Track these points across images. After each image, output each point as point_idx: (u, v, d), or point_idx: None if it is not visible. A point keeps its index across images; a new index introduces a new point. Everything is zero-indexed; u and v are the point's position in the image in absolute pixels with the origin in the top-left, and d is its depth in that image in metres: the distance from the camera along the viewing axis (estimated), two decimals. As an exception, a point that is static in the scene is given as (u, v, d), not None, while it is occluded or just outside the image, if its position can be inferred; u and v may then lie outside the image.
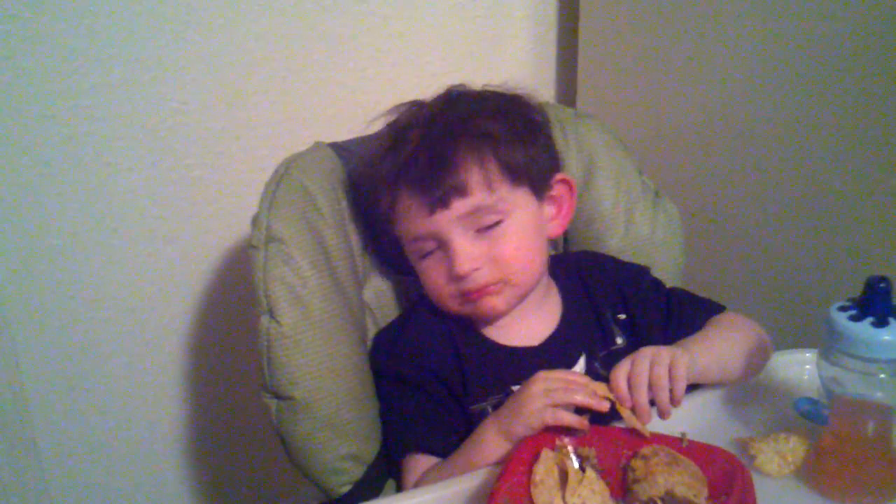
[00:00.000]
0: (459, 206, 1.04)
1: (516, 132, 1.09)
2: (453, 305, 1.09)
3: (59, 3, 1.26)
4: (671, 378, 0.94)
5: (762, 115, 1.33)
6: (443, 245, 1.06)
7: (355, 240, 1.16)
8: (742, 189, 1.39)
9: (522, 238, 1.08)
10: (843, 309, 0.87)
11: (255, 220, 1.08)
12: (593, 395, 0.94)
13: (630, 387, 0.94)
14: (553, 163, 1.15)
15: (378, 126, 1.21)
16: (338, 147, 1.20)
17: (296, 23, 1.44)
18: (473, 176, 1.05)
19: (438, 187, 1.04)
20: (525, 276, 1.09)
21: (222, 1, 1.37)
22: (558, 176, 1.15)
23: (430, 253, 1.08)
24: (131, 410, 1.52)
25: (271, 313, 1.04)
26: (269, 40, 1.43)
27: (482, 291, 1.06)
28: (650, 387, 0.93)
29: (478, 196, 1.05)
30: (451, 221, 1.04)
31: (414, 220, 1.06)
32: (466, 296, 1.07)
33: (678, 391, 0.94)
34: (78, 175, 1.35)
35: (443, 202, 1.04)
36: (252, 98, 1.44)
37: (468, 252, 1.05)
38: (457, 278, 1.05)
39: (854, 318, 0.85)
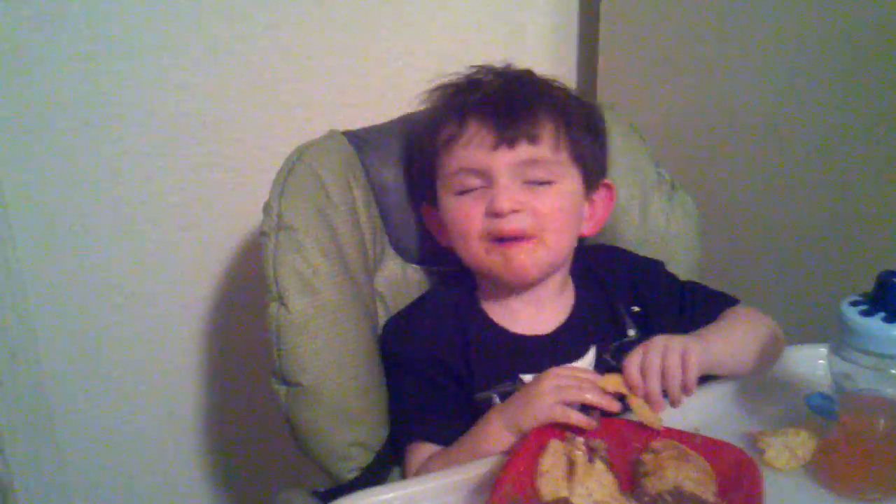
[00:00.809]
0: (523, 151, 1.06)
1: (587, 124, 1.15)
2: (479, 251, 1.08)
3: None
4: (683, 367, 0.94)
5: (781, 111, 1.32)
6: (490, 183, 1.06)
7: (367, 228, 1.16)
8: (759, 183, 1.38)
9: (565, 204, 1.09)
10: (854, 304, 0.86)
11: (267, 208, 1.08)
12: (604, 394, 0.94)
13: (643, 375, 0.94)
14: (604, 167, 1.19)
15: (399, 112, 1.25)
16: (352, 135, 1.20)
17: (312, 10, 1.44)
18: (546, 131, 1.08)
19: (512, 127, 1.06)
20: (558, 238, 1.09)
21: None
22: (604, 180, 1.18)
23: (469, 191, 1.08)
24: (148, 395, 1.53)
25: (281, 300, 1.04)
26: (285, 28, 1.42)
27: (515, 242, 1.06)
28: (662, 375, 0.93)
29: (543, 149, 1.07)
30: (508, 163, 1.06)
31: (473, 151, 1.07)
32: (499, 241, 1.06)
33: (690, 380, 0.94)
34: (94, 161, 1.36)
35: (511, 142, 1.06)
36: (269, 85, 1.44)
37: (513, 193, 1.05)
38: (494, 214, 1.05)
39: (865, 314, 0.85)
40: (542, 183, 1.08)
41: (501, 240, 1.06)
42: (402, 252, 1.22)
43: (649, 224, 1.27)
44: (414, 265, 1.22)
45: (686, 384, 0.94)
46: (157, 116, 1.38)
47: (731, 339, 1.05)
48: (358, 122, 1.25)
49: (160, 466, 1.58)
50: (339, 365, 1.06)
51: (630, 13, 1.56)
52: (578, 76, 1.75)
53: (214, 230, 1.48)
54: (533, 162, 1.07)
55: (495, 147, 1.06)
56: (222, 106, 1.41)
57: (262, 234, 1.07)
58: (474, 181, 1.07)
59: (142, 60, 1.34)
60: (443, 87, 1.16)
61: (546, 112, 1.09)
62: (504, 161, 1.06)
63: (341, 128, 1.22)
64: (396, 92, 1.50)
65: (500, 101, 1.08)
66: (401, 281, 1.21)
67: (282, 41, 1.43)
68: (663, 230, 1.27)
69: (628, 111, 1.39)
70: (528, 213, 1.06)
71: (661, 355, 0.94)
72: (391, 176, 1.20)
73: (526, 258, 1.07)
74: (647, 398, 0.94)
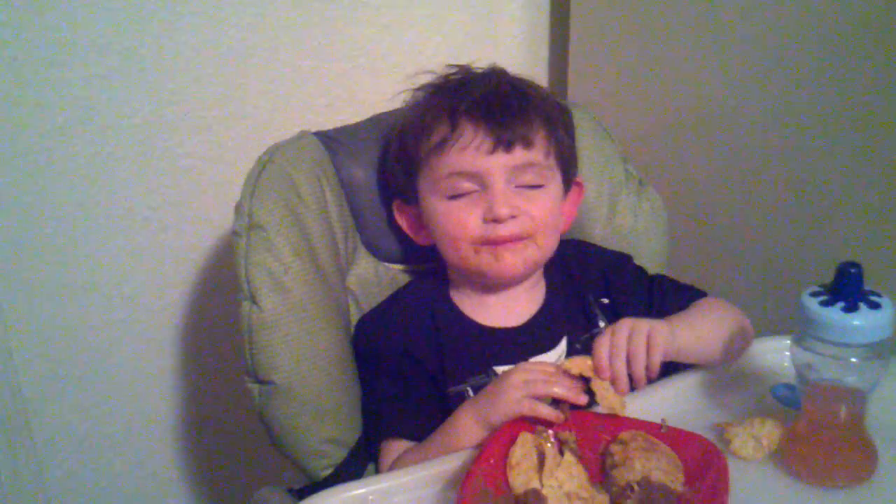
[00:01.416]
0: (519, 155, 1.07)
1: (566, 127, 1.17)
2: (468, 253, 1.08)
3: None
4: (648, 348, 0.95)
5: (745, 109, 1.34)
6: (486, 187, 1.07)
7: (338, 227, 1.17)
8: (726, 178, 1.40)
9: (552, 208, 1.11)
10: (814, 294, 0.87)
11: (238, 208, 1.09)
12: (572, 387, 0.95)
13: (610, 357, 0.95)
14: (576, 166, 1.20)
15: (372, 112, 1.27)
16: (323, 136, 1.21)
17: (287, 13, 1.45)
18: (539, 136, 1.10)
19: (508, 131, 1.07)
20: (548, 240, 1.11)
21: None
22: (577, 178, 1.20)
23: (462, 195, 1.08)
24: (126, 397, 1.53)
25: (253, 299, 1.05)
26: (259, 31, 1.43)
27: (507, 244, 1.07)
28: (628, 357, 0.95)
29: (537, 153, 1.09)
30: (504, 167, 1.07)
31: (467, 155, 1.07)
32: (490, 244, 1.07)
33: (654, 363, 0.95)
34: (70, 165, 1.36)
35: (508, 145, 1.07)
36: (243, 88, 1.45)
37: (509, 198, 1.06)
38: (493, 220, 1.06)
39: (825, 304, 0.86)
40: (533, 187, 1.09)
41: (496, 242, 1.07)
42: (373, 251, 1.23)
43: (617, 220, 1.29)
44: (386, 264, 1.23)
45: (650, 366, 0.95)
46: (131, 120, 1.38)
47: (698, 327, 1.06)
48: (330, 123, 1.26)
49: (139, 467, 1.59)
50: (311, 362, 1.06)
51: (599, 14, 1.57)
52: (550, 76, 1.77)
53: (191, 232, 1.49)
54: (527, 166, 1.08)
55: (492, 151, 1.06)
56: (198, 109, 1.42)
57: (234, 233, 1.08)
58: (467, 185, 1.08)
59: (117, 65, 1.34)
60: (427, 88, 1.16)
61: (537, 116, 1.10)
62: (500, 163, 1.06)
63: (314, 129, 1.22)
64: (369, 93, 1.52)
65: (494, 104, 1.09)
66: (373, 279, 1.22)
67: (253, 43, 1.43)
68: (631, 226, 1.29)
69: (598, 110, 1.40)
70: (523, 218, 1.07)
71: (627, 337, 0.96)
72: (362, 176, 1.20)
73: (516, 258, 1.08)
74: (614, 380, 0.95)
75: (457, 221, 1.08)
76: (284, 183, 1.11)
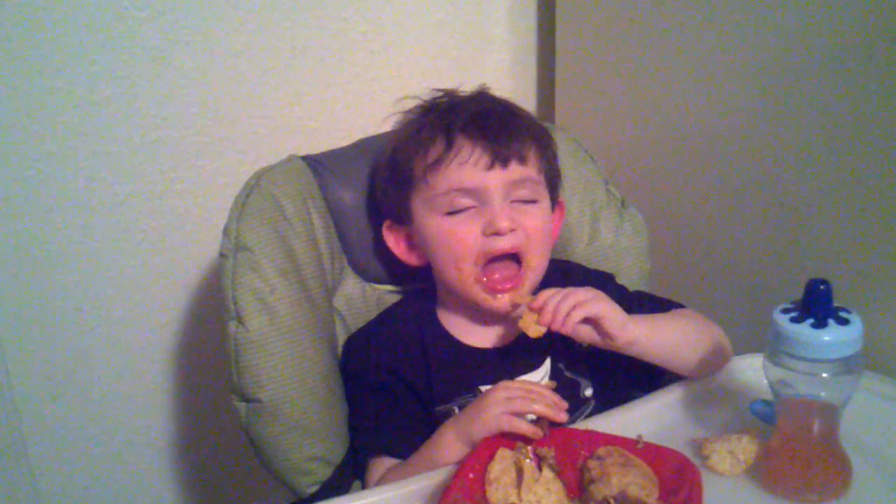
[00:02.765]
0: (515, 170, 1.10)
1: (552, 147, 1.19)
2: (467, 276, 1.09)
3: (43, 22, 1.29)
4: (576, 307, 1.01)
5: (724, 132, 1.37)
6: (484, 202, 1.08)
7: (325, 249, 1.19)
8: (708, 199, 1.42)
9: (545, 223, 1.14)
10: (785, 311, 0.89)
11: (226, 230, 1.11)
12: (552, 405, 0.98)
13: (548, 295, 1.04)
14: (560, 184, 1.23)
15: (364, 135, 1.29)
16: (311, 159, 1.23)
17: (276, 40, 1.47)
18: (532, 153, 1.12)
19: (505, 147, 1.09)
20: (540, 259, 1.13)
21: (203, 20, 1.40)
22: (560, 198, 1.23)
23: (460, 211, 1.09)
24: (119, 415, 1.54)
25: (239, 319, 1.07)
26: (249, 58, 1.45)
27: (505, 283, 1.10)
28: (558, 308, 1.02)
29: (531, 169, 1.12)
30: (501, 182, 1.08)
31: (465, 172, 1.08)
32: (488, 285, 1.10)
33: (573, 314, 1.02)
34: (64, 188, 1.38)
35: (505, 161, 1.08)
36: (233, 113, 1.47)
37: (508, 212, 1.08)
38: (493, 233, 1.07)
39: (795, 320, 0.87)
40: (527, 202, 1.11)
41: (492, 259, 1.09)
42: (360, 272, 1.24)
43: (599, 240, 1.30)
44: (373, 284, 1.25)
45: (567, 318, 1.02)
46: (125, 146, 1.40)
47: (661, 327, 1.09)
48: (320, 147, 1.28)
49: (132, 484, 1.60)
50: (296, 381, 1.08)
51: (585, 39, 1.60)
52: (538, 98, 1.79)
53: (183, 254, 1.50)
54: (522, 181, 1.10)
55: (490, 167, 1.08)
56: (189, 134, 1.44)
57: (222, 255, 1.10)
58: (466, 201, 1.09)
59: (110, 92, 1.37)
60: (416, 110, 1.18)
61: (528, 134, 1.13)
62: (497, 179, 1.08)
63: (303, 153, 1.25)
64: (358, 118, 1.55)
65: (489, 121, 1.11)
66: (360, 300, 1.24)
67: (244, 71, 1.46)
68: (612, 246, 1.31)
69: (585, 132, 1.44)
70: (518, 232, 1.09)
71: (572, 292, 1.03)
72: (349, 198, 1.22)
73: (512, 297, 1.10)
74: (540, 310, 1.03)
75: (457, 237, 1.09)
76: (271, 205, 1.13)
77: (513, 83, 1.75)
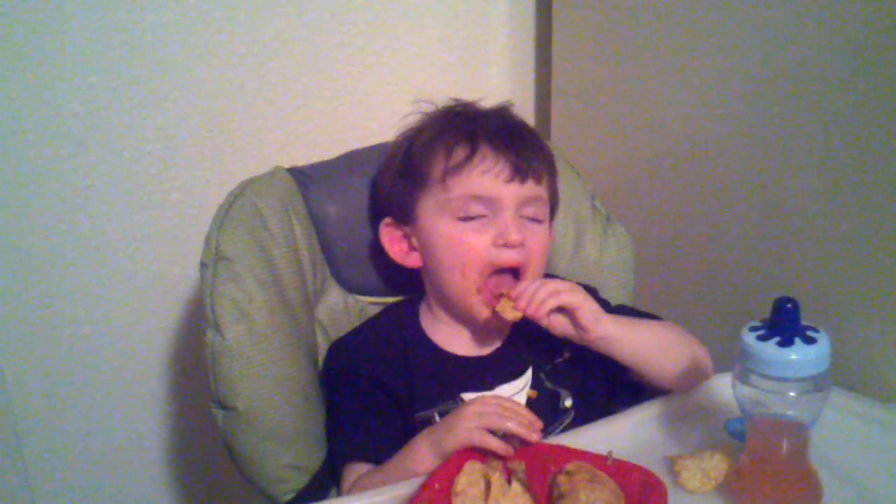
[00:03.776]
0: (531, 187, 1.12)
1: (557, 175, 1.21)
2: (469, 285, 1.10)
3: (42, 31, 1.31)
4: (549, 295, 1.04)
5: (709, 150, 1.39)
6: (495, 213, 1.10)
7: (307, 260, 1.19)
8: (693, 216, 1.43)
9: (546, 245, 1.16)
10: (753, 329, 0.89)
11: (207, 239, 1.12)
12: (526, 424, 0.98)
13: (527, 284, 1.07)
14: (557, 208, 1.24)
15: (360, 146, 1.30)
16: (296, 171, 1.24)
17: (273, 53, 1.49)
18: (545, 175, 1.15)
19: (525, 162, 1.11)
20: (537, 278, 1.13)
21: (200, 33, 1.42)
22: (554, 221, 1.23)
23: (471, 218, 1.10)
24: (114, 417, 1.56)
25: (217, 327, 1.08)
26: (245, 69, 1.47)
27: (503, 297, 1.10)
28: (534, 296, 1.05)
29: (543, 188, 1.14)
30: (516, 196, 1.10)
31: (485, 180, 1.10)
32: (487, 296, 1.11)
33: (547, 303, 1.05)
34: (62, 196, 1.40)
35: (523, 176, 1.10)
36: (229, 125, 1.48)
37: (517, 226, 1.10)
38: (503, 245, 1.09)
39: (762, 338, 0.88)
40: (534, 220, 1.13)
41: (496, 272, 1.11)
42: (343, 283, 1.25)
43: (582, 256, 1.32)
44: (356, 295, 1.26)
45: (542, 304, 1.05)
46: (121, 155, 1.42)
47: (637, 330, 1.10)
48: (314, 158, 1.30)
49: (127, 490, 1.61)
50: (273, 390, 1.09)
51: (580, 53, 1.61)
52: (536, 115, 1.80)
53: (178, 263, 1.51)
54: (534, 199, 1.12)
55: (510, 179, 1.10)
56: (186, 145, 1.46)
57: (202, 264, 1.11)
58: (479, 209, 1.10)
59: (108, 102, 1.38)
60: (441, 112, 1.19)
61: (544, 156, 1.15)
62: (514, 192, 1.10)
63: (300, 164, 1.26)
64: (356, 130, 1.55)
65: (514, 135, 1.13)
66: (342, 311, 1.25)
67: (240, 82, 1.47)
68: (595, 261, 1.32)
69: (581, 143, 1.44)
70: (524, 249, 1.10)
71: (550, 283, 1.06)
72: (334, 210, 1.23)
73: (512, 315, 1.10)
74: (516, 297, 1.06)
75: (466, 244, 1.10)
76: (253, 216, 1.14)
77: (510, 96, 1.74)
